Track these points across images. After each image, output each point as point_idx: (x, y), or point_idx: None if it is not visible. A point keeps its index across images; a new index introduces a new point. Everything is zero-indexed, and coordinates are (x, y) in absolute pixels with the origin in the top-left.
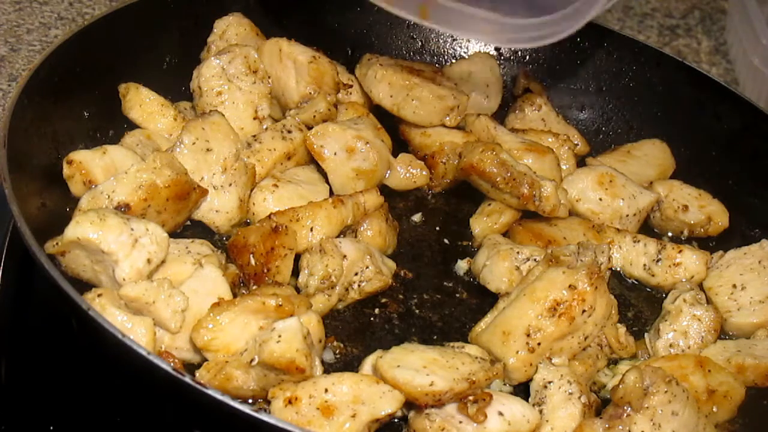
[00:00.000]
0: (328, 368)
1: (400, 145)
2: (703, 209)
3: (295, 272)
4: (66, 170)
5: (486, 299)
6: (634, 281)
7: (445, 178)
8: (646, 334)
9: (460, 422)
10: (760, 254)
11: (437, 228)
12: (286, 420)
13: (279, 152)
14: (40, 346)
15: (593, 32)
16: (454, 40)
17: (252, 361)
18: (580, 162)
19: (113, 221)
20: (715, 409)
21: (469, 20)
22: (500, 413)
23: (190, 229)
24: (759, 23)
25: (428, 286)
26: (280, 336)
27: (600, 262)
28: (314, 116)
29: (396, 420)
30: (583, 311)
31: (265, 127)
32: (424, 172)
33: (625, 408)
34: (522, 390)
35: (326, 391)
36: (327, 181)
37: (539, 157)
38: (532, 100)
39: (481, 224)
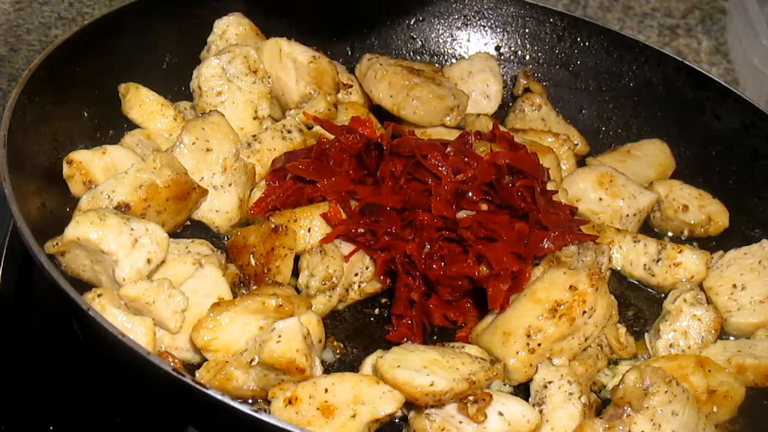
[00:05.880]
0: (328, 368)
1: None
2: (703, 209)
3: (295, 272)
4: (66, 170)
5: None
6: (634, 281)
7: None
8: (646, 334)
9: (460, 422)
10: (761, 254)
11: None
12: (286, 420)
13: (279, 152)
14: (40, 346)
15: (593, 32)
16: (453, 39)
17: (252, 361)
18: (580, 162)
19: (113, 221)
20: (715, 409)
21: None
22: (500, 413)
23: (190, 229)
24: (759, 23)
25: None
26: (280, 336)
27: (600, 263)
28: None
29: (396, 420)
30: (584, 312)
31: (265, 127)
32: None
33: (626, 408)
34: (522, 390)
35: (326, 391)
36: None
37: (539, 157)
38: (532, 100)
39: None
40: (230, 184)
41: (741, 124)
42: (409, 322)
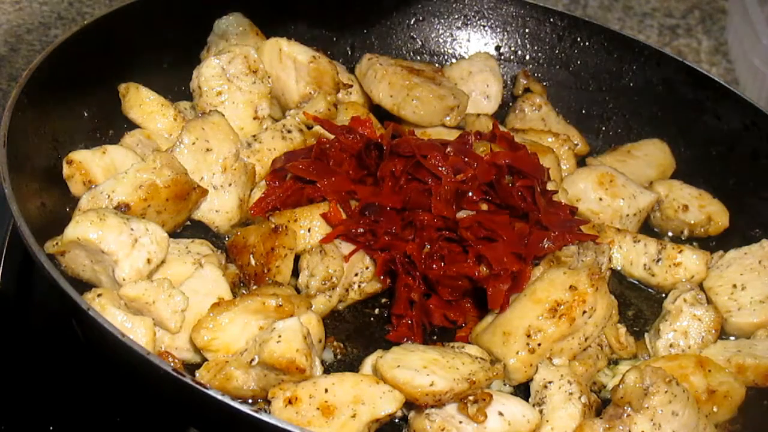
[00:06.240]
0: (328, 368)
1: None
2: (703, 209)
3: (295, 272)
4: (66, 170)
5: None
6: (634, 281)
7: None
8: (646, 334)
9: (460, 422)
10: (761, 254)
11: None
12: (286, 420)
13: (279, 152)
14: (40, 346)
15: (593, 32)
16: (454, 39)
17: (252, 361)
18: (580, 162)
19: (113, 221)
20: (715, 409)
21: None
22: (500, 413)
23: (190, 229)
24: (759, 23)
25: None
26: (280, 336)
27: (600, 263)
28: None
29: (396, 420)
30: (584, 312)
31: (265, 127)
32: None
33: (626, 408)
34: (522, 390)
35: (326, 391)
36: None
37: (539, 157)
38: (532, 100)
39: None
40: (230, 184)
41: (741, 124)
42: (409, 322)
